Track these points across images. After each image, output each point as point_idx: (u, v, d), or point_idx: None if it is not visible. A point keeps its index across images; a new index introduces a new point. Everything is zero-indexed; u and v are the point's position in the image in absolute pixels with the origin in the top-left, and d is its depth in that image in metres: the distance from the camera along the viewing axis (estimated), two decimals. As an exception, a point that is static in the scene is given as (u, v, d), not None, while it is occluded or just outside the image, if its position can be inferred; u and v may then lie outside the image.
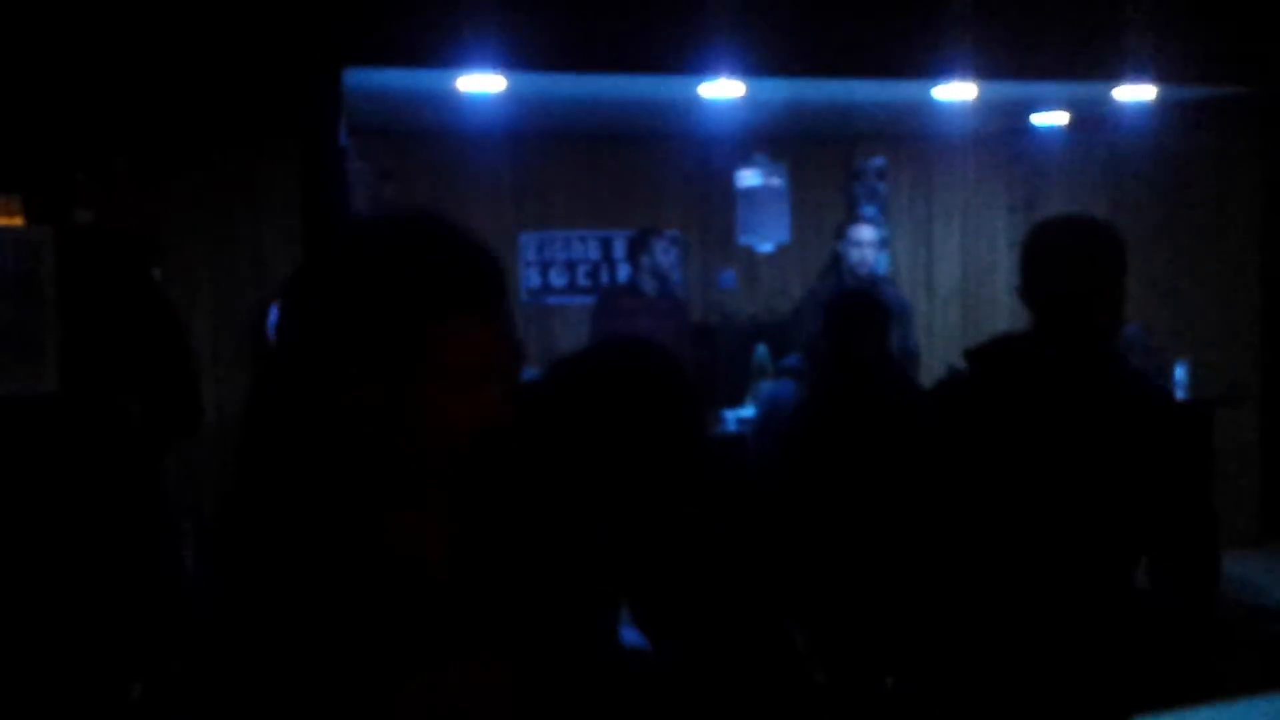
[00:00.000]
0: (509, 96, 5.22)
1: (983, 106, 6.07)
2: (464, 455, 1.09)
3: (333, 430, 1.10)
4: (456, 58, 4.32)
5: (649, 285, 6.12)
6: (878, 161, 7.42)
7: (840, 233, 5.88)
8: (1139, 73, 5.31)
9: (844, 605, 3.68)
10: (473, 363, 1.10)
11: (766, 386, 5.08)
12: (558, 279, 6.97)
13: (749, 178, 6.78)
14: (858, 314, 3.80)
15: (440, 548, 1.12)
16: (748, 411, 5.44)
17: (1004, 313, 7.65)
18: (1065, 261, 2.39)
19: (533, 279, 6.92)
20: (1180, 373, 6.01)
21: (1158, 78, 5.37)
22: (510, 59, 4.37)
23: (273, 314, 6.23)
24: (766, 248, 6.91)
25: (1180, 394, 5.93)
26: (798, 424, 3.88)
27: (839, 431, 3.63)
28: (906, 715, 3.69)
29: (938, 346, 7.49)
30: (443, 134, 6.49)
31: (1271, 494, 6.86)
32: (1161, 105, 6.10)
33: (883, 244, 7.45)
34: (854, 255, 5.75)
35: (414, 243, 1.12)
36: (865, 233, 5.83)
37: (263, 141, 5.98)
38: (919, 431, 2.60)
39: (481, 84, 4.92)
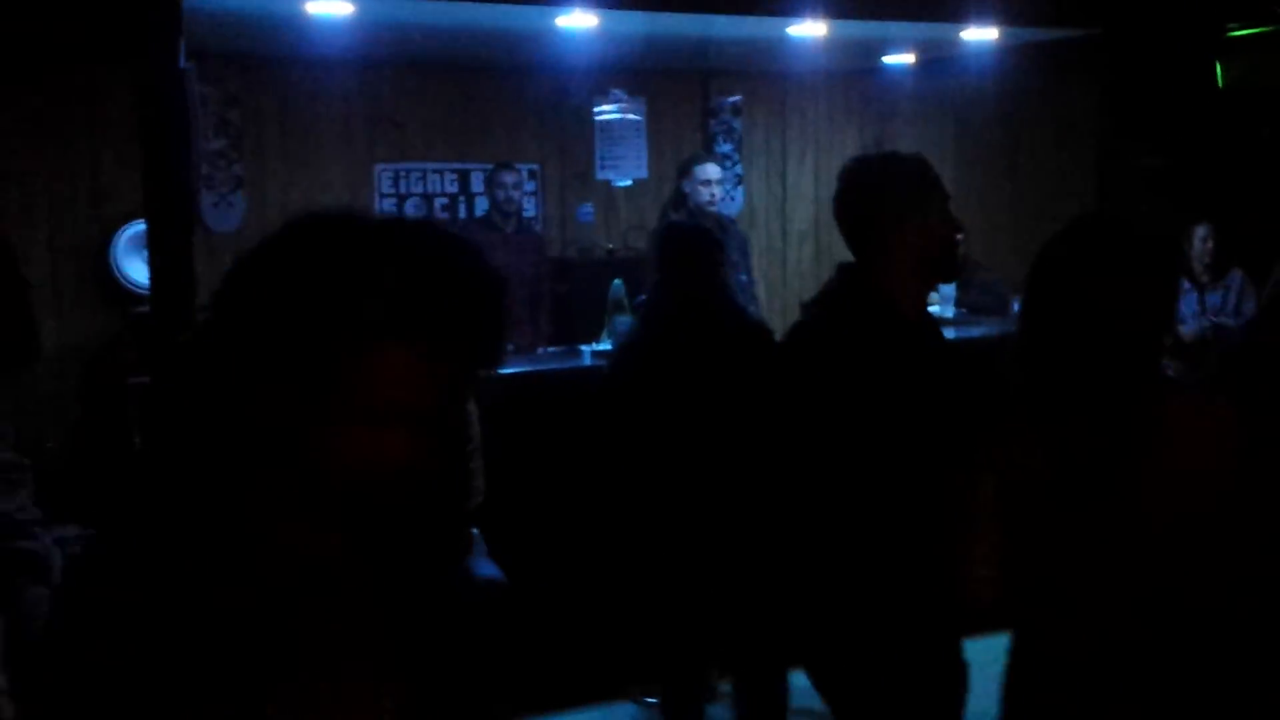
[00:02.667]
0: (360, 22, 5.10)
1: (836, 45, 6.16)
2: (361, 493, 1.05)
3: (235, 436, 1.05)
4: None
5: (502, 219, 6.08)
6: (734, 98, 7.48)
7: (685, 170, 5.89)
8: (984, 15, 5.46)
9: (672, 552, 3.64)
10: (384, 404, 1.03)
11: (621, 322, 5.10)
12: (414, 212, 6.86)
13: (607, 111, 6.75)
14: (690, 246, 3.80)
15: (333, 555, 1.08)
16: (605, 346, 5.46)
17: (855, 249, 7.83)
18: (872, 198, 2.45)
19: (389, 212, 6.82)
20: (1017, 307, 6.26)
21: (1002, 20, 5.53)
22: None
23: (116, 243, 6.00)
24: (624, 182, 6.91)
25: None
26: (626, 356, 3.81)
27: (669, 362, 3.58)
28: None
29: (792, 282, 7.64)
30: (293, 59, 6.28)
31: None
32: (1005, 47, 6.29)
33: (738, 181, 7.54)
34: (702, 194, 5.78)
35: (343, 261, 1.03)
36: (711, 170, 5.86)
37: (100, 64, 5.73)
38: (771, 379, 2.63)
39: (329, 8, 4.80)
